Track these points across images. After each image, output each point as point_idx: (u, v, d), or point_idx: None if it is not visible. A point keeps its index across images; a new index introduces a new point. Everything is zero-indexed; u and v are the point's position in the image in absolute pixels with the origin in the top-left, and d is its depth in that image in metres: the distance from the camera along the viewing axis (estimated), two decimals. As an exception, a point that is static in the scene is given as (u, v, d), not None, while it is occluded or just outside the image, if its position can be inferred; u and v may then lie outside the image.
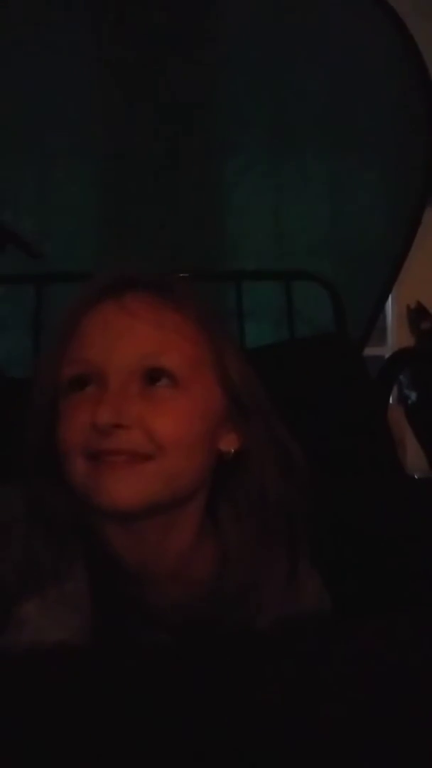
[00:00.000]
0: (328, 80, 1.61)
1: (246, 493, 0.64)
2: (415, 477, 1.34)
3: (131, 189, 1.58)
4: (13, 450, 0.61)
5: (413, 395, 1.50)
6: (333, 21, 1.59)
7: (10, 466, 0.61)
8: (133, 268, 0.64)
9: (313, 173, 1.63)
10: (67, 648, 0.53)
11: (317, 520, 0.67)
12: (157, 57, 1.55)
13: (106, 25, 1.55)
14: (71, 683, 0.41)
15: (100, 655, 0.49)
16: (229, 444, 0.63)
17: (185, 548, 0.63)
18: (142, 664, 0.44)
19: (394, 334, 1.75)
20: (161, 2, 1.55)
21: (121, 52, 1.55)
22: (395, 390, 1.48)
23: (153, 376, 0.59)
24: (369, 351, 1.57)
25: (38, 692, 0.39)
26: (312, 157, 1.62)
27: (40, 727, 0.38)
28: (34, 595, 0.58)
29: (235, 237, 1.60)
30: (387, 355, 1.52)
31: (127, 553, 0.61)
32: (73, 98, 1.56)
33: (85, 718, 0.39)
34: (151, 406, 0.58)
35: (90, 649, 0.53)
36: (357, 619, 0.54)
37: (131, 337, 0.59)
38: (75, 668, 0.43)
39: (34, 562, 0.59)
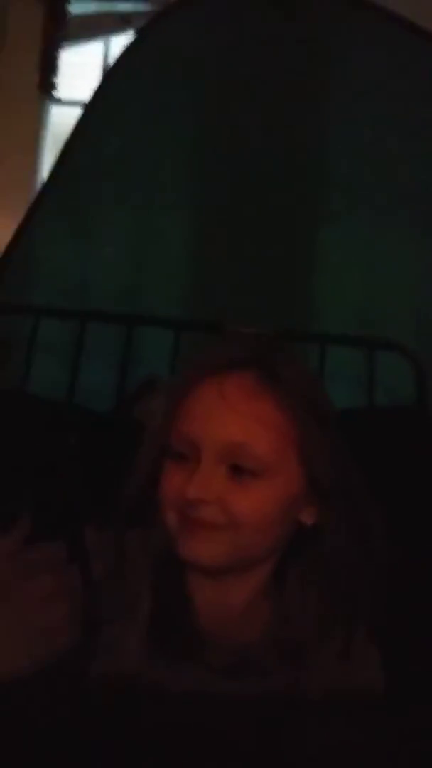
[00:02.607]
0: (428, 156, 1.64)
1: (317, 565, 0.68)
2: None
3: (223, 244, 1.64)
4: (103, 485, 0.67)
5: None
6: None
7: (97, 500, 0.66)
8: (238, 349, 0.70)
9: (410, 244, 1.64)
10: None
11: (388, 598, 0.67)
12: (262, 119, 1.62)
13: (209, 85, 1.64)
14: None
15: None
16: (308, 517, 0.69)
17: (249, 600, 0.68)
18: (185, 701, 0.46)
19: None
20: (269, 63, 1.62)
21: (225, 114, 1.64)
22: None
23: (237, 469, 0.65)
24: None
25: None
26: (410, 228, 1.64)
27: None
28: (114, 624, 0.65)
29: (322, 301, 1.62)
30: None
31: (198, 594, 0.68)
32: (174, 155, 1.66)
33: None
34: (233, 488, 0.65)
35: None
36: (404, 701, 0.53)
37: (225, 425, 0.66)
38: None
39: (117, 593, 0.65)
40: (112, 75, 1.71)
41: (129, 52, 1.67)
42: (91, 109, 1.64)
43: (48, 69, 2.51)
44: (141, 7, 2.53)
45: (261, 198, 1.62)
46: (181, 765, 0.50)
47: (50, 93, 2.55)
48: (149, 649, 0.65)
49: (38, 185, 2.20)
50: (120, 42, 1.83)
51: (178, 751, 0.52)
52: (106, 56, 2.66)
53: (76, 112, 1.67)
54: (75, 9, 2.57)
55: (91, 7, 2.62)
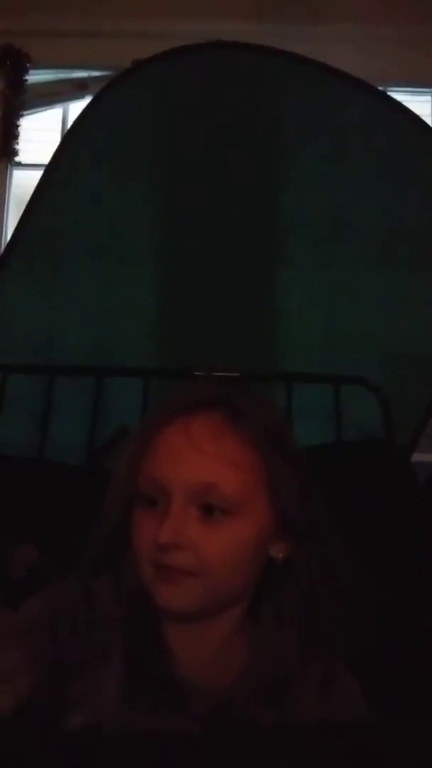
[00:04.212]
0: (383, 196, 1.70)
1: (290, 599, 0.68)
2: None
3: (187, 293, 1.68)
4: (69, 537, 0.67)
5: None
6: (390, 143, 1.70)
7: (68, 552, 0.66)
8: (203, 391, 0.71)
9: (367, 281, 1.69)
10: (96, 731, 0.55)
11: (361, 626, 0.67)
12: (218, 169, 1.68)
13: (165, 143, 1.70)
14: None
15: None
16: (278, 551, 0.69)
17: (225, 640, 0.68)
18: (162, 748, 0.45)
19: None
20: (223, 119, 1.69)
21: (181, 168, 1.70)
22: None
23: (208, 509, 0.65)
24: (418, 457, 1.56)
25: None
26: (366, 267, 1.69)
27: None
28: (83, 677, 0.63)
29: (286, 339, 1.66)
30: (436, 463, 1.51)
31: (173, 639, 0.68)
32: (133, 211, 1.71)
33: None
34: (205, 530, 0.65)
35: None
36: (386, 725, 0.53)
37: (193, 466, 0.66)
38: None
39: (86, 647, 0.65)
40: (69, 138, 1.76)
41: (86, 115, 1.74)
42: (50, 171, 1.69)
43: (8, 135, 2.58)
44: (97, 74, 2.63)
45: (221, 246, 1.67)
46: None
47: (11, 158, 2.61)
48: (126, 698, 0.64)
49: (2, 246, 2.24)
50: (78, 107, 1.90)
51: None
52: (65, 121, 2.74)
53: (37, 175, 1.71)
54: (33, 77, 2.66)
55: (48, 76, 2.72)
